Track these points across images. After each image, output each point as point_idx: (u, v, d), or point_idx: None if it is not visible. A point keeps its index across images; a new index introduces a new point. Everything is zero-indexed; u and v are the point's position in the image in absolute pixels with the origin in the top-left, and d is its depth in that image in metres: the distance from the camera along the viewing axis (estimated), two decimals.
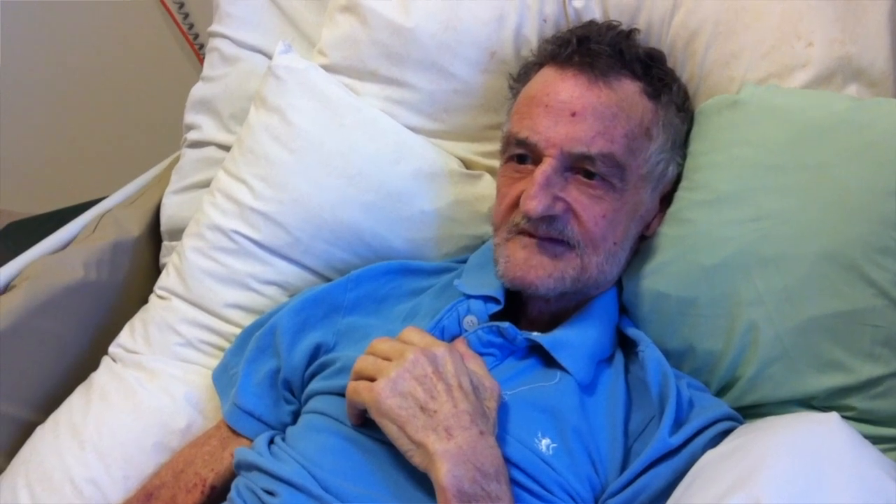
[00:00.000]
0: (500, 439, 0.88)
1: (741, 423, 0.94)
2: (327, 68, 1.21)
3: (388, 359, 0.89)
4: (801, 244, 0.93)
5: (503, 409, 0.91)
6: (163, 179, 1.39)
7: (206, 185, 1.28)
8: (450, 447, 0.82)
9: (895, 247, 0.89)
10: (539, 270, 0.96)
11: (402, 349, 0.89)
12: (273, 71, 1.19)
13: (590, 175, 0.98)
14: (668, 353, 1.00)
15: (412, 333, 0.93)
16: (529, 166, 0.99)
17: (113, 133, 2.14)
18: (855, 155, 0.93)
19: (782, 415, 0.92)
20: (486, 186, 1.20)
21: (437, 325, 1.02)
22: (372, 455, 0.90)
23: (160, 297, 1.21)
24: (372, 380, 0.88)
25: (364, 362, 0.91)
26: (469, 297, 1.03)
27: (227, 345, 1.15)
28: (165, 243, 1.33)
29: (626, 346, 1.04)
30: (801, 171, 0.95)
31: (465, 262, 1.14)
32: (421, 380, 0.86)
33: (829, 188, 0.93)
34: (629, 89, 1.01)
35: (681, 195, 1.04)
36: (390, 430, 0.85)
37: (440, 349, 0.90)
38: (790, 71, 1.04)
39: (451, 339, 1.01)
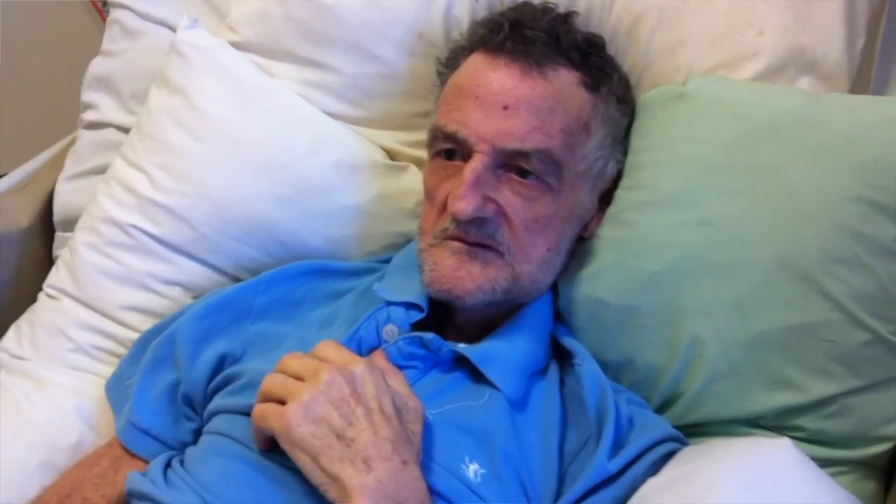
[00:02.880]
0: (424, 466, 0.81)
1: (685, 444, 0.89)
2: (238, 46, 1.13)
3: (300, 378, 0.82)
4: (752, 251, 0.88)
5: (427, 430, 0.85)
6: (57, 163, 1.29)
7: (104, 170, 1.18)
8: (369, 481, 0.75)
9: (851, 256, 0.85)
10: (468, 282, 0.90)
11: (317, 367, 0.81)
12: (177, 48, 1.10)
13: (524, 173, 0.92)
14: (605, 366, 0.94)
15: (328, 348, 0.85)
16: (458, 163, 0.93)
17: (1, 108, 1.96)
18: (809, 157, 0.88)
19: (730, 438, 0.89)
20: (413, 179, 1.13)
21: (353, 335, 0.94)
22: (281, 486, 0.82)
23: (50, 296, 1.12)
24: (281, 402, 0.80)
25: (273, 382, 0.82)
26: (390, 303, 0.95)
27: (123, 351, 1.06)
28: (59, 234, 1.23)
29: (562, 356, 0.98)
30: (752, 172, 0.90)
31: (388, 261, 1.07)
32: (337, 403, 0.79)
33: (782, 192, 0.88)
34: (566, 80, 0.95)
35: (621, 195, 0.98)
36: (302, 461, 0.78)
37: (359, 367, 0.82)
38: (740, 61, 0.99)
39: (370, 350, 0.94)
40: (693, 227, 0.91)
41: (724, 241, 0.90)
